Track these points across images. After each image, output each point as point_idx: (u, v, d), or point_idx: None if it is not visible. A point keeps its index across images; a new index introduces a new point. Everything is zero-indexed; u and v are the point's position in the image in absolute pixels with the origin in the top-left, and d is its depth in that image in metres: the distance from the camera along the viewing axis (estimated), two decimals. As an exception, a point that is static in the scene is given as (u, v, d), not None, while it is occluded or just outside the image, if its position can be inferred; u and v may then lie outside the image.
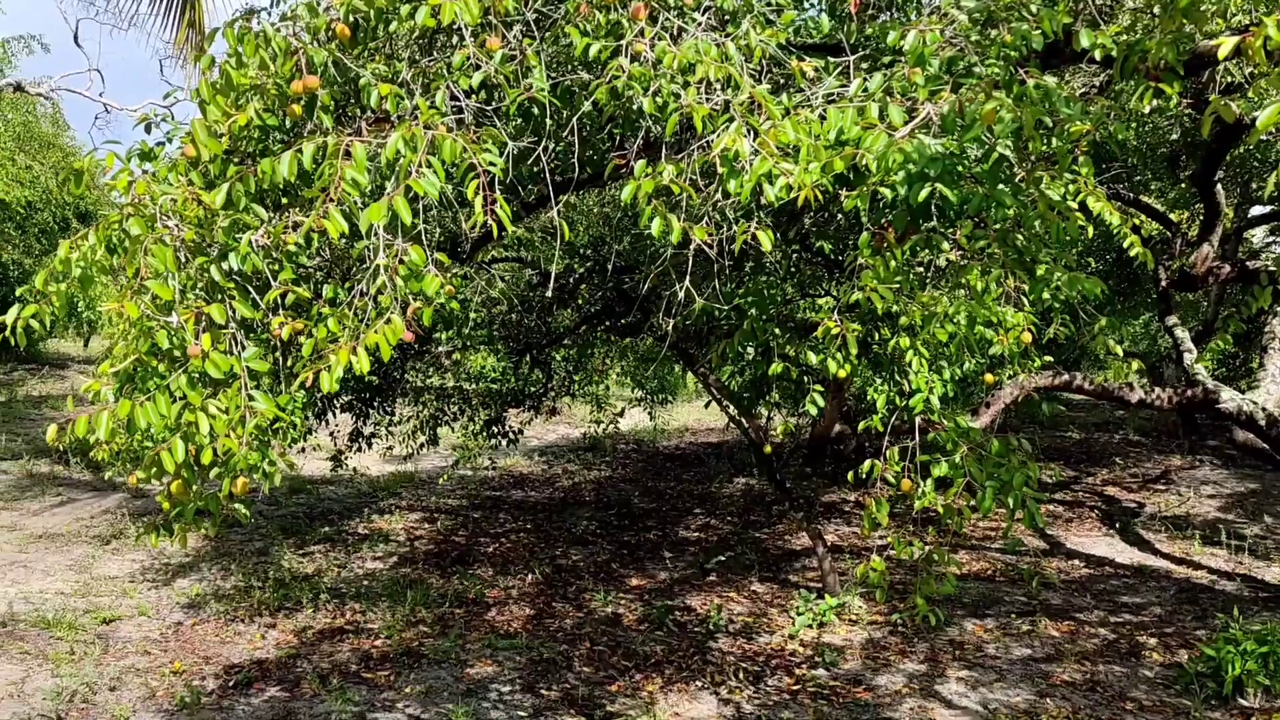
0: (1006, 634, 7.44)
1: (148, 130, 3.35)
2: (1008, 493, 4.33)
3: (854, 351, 3.83)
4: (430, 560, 9.59)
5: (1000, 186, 3.16)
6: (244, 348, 3.04)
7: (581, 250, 9.24)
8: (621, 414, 13.89)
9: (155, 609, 7.77)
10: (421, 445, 12.28)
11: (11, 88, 17.61)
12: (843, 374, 4.43)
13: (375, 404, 11.05)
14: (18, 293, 3.40)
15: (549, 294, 9.60)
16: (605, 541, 10.56)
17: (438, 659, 6.92)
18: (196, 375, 2.94)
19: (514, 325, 10.78)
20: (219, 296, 3.01)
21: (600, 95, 3.01)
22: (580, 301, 10.34)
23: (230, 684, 6.38)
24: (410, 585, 8.49)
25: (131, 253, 2.89)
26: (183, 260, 2.97)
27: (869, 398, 5.58)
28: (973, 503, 4.43)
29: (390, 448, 12.37)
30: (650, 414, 15.22)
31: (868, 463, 4.54)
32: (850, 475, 4.84)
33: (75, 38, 18.49)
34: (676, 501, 12.78)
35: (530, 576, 9.01)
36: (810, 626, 7.56)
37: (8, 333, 3.08)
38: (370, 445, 11.49)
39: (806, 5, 4.57)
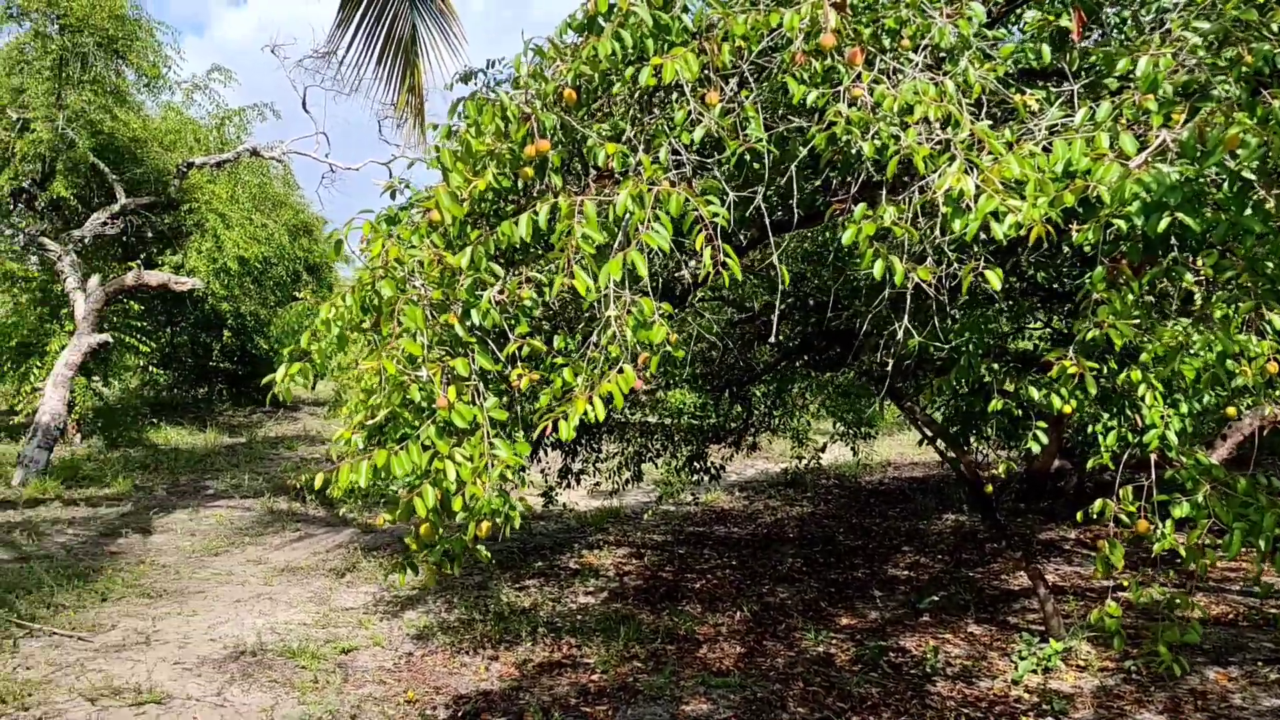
0: (1253, 683, 6.90)
1: (392, 196, 3.63)
2: (1257, 534, 4.05)
3: (1093, 391, 3.68)
4: (640, 596, 9.74)
5: (1247, 213, 3.00)
6: (484, 398, 3.22)
7: (782, 287, 9.25)
8: (824, 449, 13.74)
9: (388, 639, 8.22)
10: (626, 481, 12.52)
11: (249, 152, 19.24)
12: (1068, 410, 4.27)
13: (583, 442, 11.40)
14: (284, 351, 3.72)
15: (750, 331, 9.67)
16: (812, 579, 10.45)
17: (652, 695, 7.02)
18: (443, 425, 3.14)
19: (715, 362, 10.90)
20: (461, 350, 3.21)
21: (819, 141, 3.05)
22: (781, 337, 10.36)
23: (459, 714, 6.67)
24: (622, 621, 8.65)
25: (386, 312, 3.12)
26: (429, 318, 3.19)
27: (1090, 431, 5.33)
28: (1218, 543, 4.17)
29: (597, 484, 12.70)
30: (853, 449, 14.98)
31: (1099, 502, 4.33)
32: (1080, 515, 4.63)
33: (304, 104, 19.92)
34: (883, 538, 12.51)
35: (739, 614, 9.01)
36: (1034, 672, 7.23)
37: (276, 389, 3.38)
38: (578, 481, 11.83)
39: (1019, 32, 4.47)
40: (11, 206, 18.84)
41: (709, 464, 12.40)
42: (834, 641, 8.23)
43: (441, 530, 3.41)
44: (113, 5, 16.40)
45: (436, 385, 3.14)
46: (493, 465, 3.05)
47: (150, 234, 19.52)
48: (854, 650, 7.97)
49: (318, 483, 3.28)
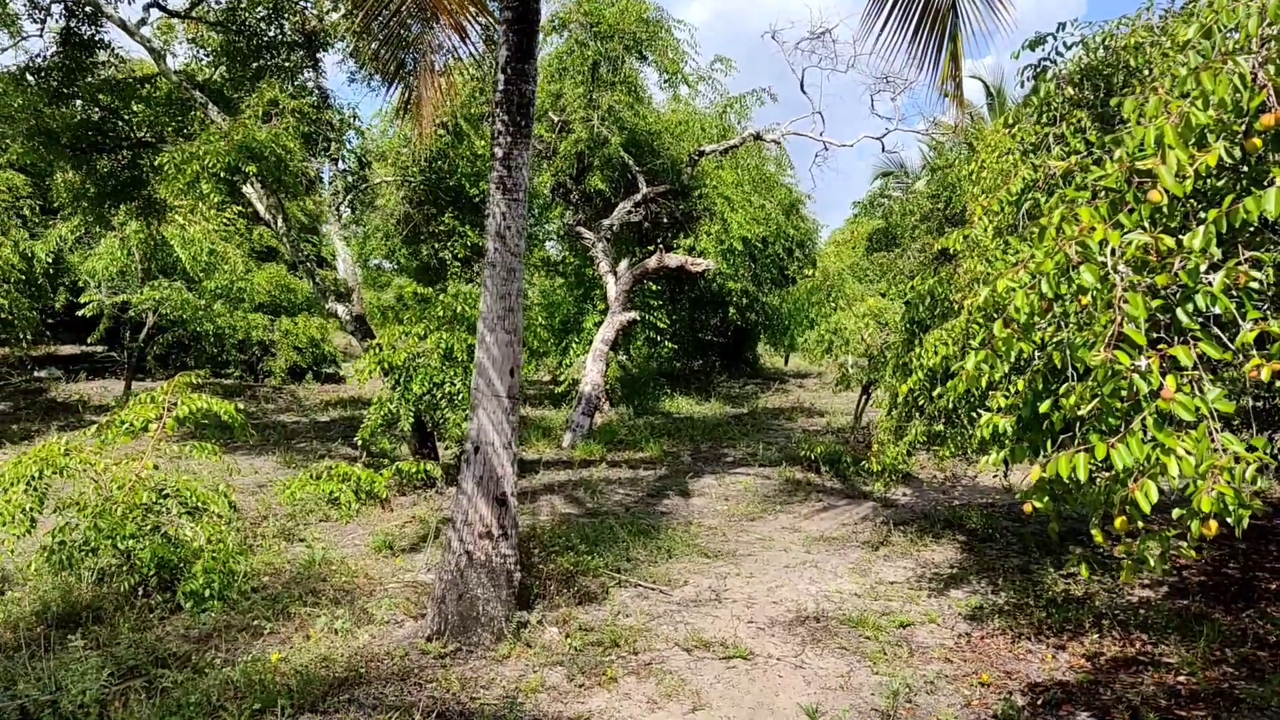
0: None
1: (1066, 180, 3.53)
2: None
3: None
4: (1206, 593, 8.89)
5: None
6: (1205, 389, 3.03)
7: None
8: None
9: (941, 617, 8.22)
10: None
11: (753, 137, 20.09)
12: None
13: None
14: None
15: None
16: None
17: (1257, 705, 6.36)
18: (1162, 417, 2.99)
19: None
20: (1180, 338, 3.05)
21: None
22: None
23: (1039, 702, 6.50)
24: (1195, 619, 7.94)
25: (1105, 301, 3.03)
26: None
27: None
28: None
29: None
30: None
31: None
32: None
33: (801, 85, 20.36)
34: None
35: (1340, 623, 7.91)
36: None
37: (965, 378, 3.42)
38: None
39: None
40: (551, 201, 21.33)
41: None
42: None
43: (1142, 525, 3.28)
44: (640, 9, 17.89)
45: (1154, 375, 3.00)
46: (1237, 463, 2.86)
47: (665, 219, 21.14)
48: None
49: (1035, 475, 3.28)
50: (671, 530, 11.03)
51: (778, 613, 8.33)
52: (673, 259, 18.51)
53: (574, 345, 21.21)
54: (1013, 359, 3.53)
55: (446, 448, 15.62)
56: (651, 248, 20.65)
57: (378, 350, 13.06)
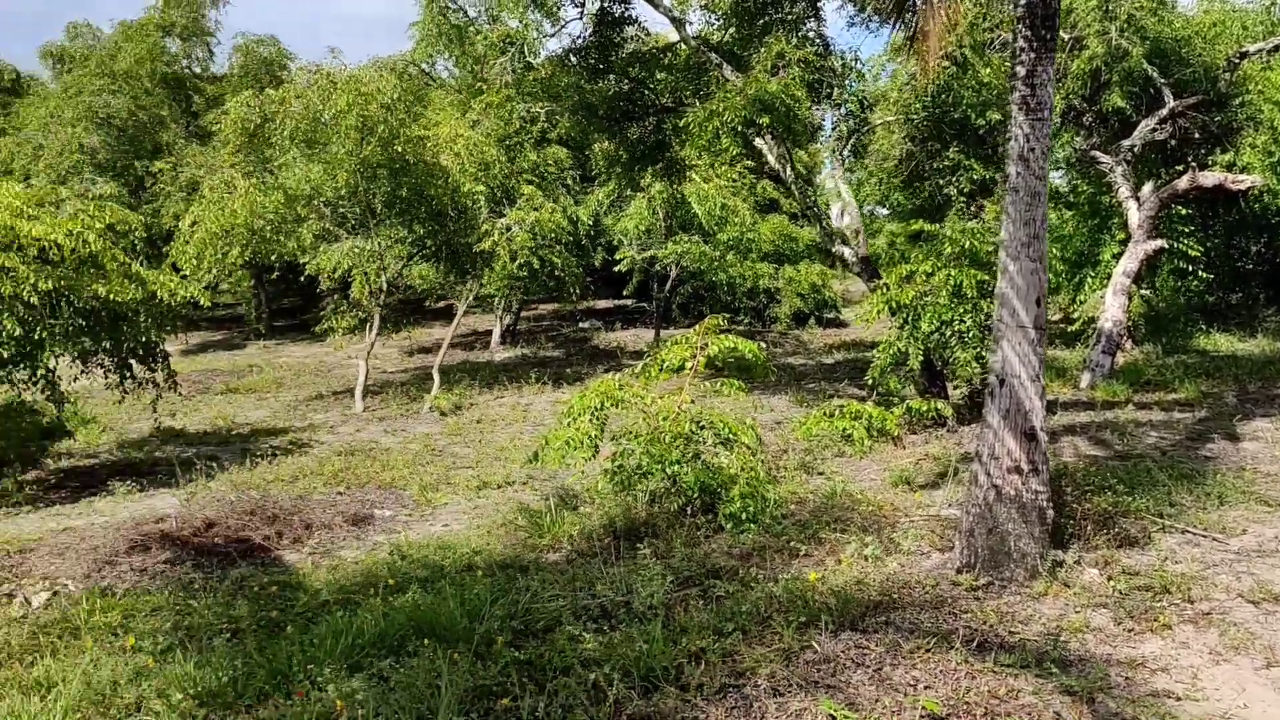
0: None
1: None
2: None
3: None
4: None
5: None
6: None
7: None
8: None
9: None
10: None
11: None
12: None
13: None
14: None
15: None
16: None
17: None
18: None
19: None
20: None
21: None
22: None
23: None
24: None
25: None
26: None
27: None
28: None
29: None
30: None
31: None
32: None
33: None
34: None
35: None
36: None
37: None
38: None
39: None
40: (1060, 126, 19.92)
41: None
42: None
43: None
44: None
45: None
46: None
47: (1195, 135, 18.86)
48: None
49: None
50: (1220, 475, 9.94)
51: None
52: (1208, 178, 16.49)
53: (1088, 280, 19.68)
54: None
55: (955, 387, 15.35)
56: (1180, 167, 18.51)
57: (884, 290, 13.14)
